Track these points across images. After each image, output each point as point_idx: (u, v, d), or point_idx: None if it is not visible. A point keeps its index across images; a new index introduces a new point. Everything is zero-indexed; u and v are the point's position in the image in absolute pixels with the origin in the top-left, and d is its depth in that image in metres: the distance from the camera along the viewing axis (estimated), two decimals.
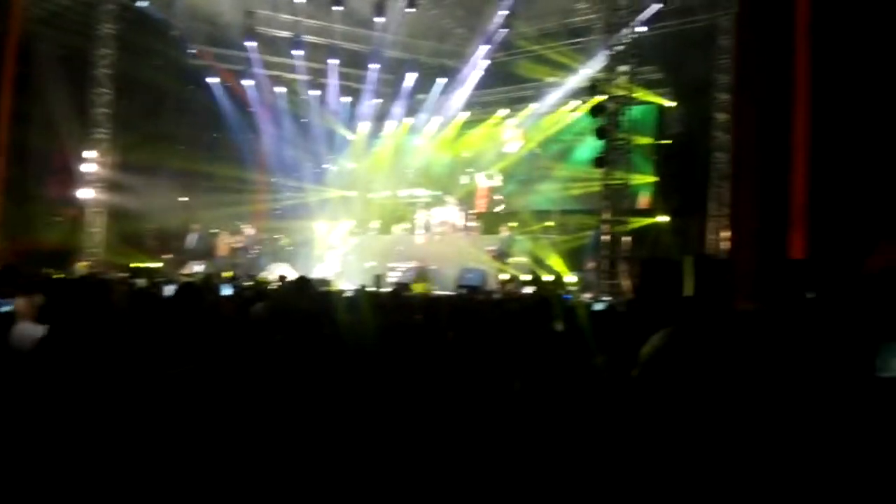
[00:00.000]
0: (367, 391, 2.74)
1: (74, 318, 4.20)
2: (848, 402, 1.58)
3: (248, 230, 15.75)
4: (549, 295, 6.92)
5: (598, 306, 6.17)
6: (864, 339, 2.26)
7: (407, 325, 4.60)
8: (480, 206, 16.13)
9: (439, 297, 7.78)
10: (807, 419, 1.46)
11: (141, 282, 8.54)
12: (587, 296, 9.91)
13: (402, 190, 17.44)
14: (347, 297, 6.62)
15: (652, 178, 12.79)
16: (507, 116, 16.53)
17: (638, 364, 1.48)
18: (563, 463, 1.94)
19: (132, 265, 12.83)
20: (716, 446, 1.28)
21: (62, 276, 9.81)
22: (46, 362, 2.94)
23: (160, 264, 14.61)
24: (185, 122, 16.49)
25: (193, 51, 16.21)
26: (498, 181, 16.02)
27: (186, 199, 16.58)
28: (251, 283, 10.13)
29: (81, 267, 13.55)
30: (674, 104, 13.92)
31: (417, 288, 11.18)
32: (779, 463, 1.29)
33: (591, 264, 11.13)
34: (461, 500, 2.18)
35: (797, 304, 5.22)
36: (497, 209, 15.90)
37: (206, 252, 15.36)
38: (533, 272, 12.56)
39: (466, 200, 15.92)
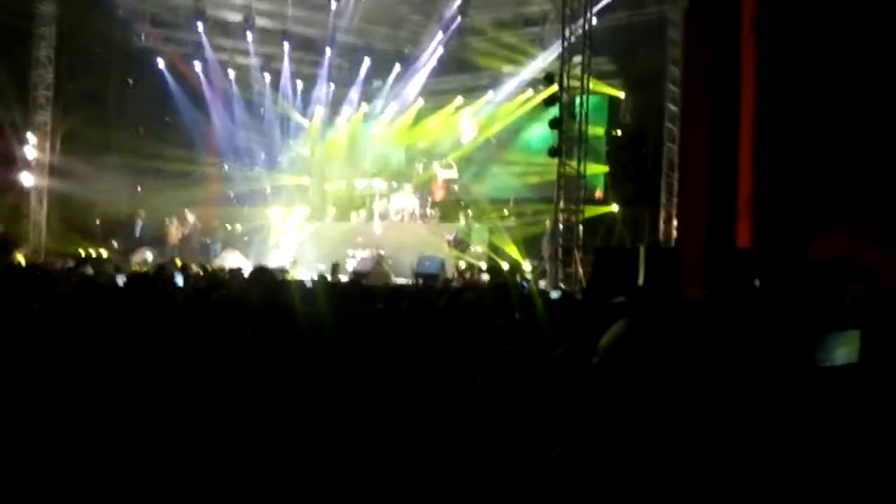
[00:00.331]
0: (328, 385, 2.76)
1: (20, 310, 4.08)
2: (789, 392, 1.68)
3: (191, 217, 15.32)
4: (507, 283, 7.01)
5: (555, 294, 6.29)
6: (805, 328, 2.40)
7: (368, 317, 4.62)
8: (438, 195, 16.16)
9: (400, 287, 7.79)
10: (752, 408, 1.54)
11: (88, 270, 8.28)
12: (543, 283, 10.09)
13: (358, 180, 17.28)
14: (306, 288, 6.56)
15: (604, 168, 13.04)
16: (463, 105, 16.55)
17: (597, 353, 1.53)
18: (526, 454, 2.00)
19: (78, 253, 12.42)
20: (671, 434, 1.33)
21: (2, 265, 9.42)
22: None
23: (106, 253, 14.17)
24: (131, 106, 15.94)
25: (138, 31, 15.65)
26: (454, 173, 16.06)
27: (134, 185, 16.06)
28: (202, 272, 9.92)
29: (20, 255, 13.02)
30: (624, 95, 14.21)
31: (376, 275, 11.19)
32: (725, 451, 1.36)
33: (546, 252, 11.31)
34: (425, 494, 2.23)
35: (745, 291, 5.44)
36: (454, 199, 15.96)
37: (154, 240, 14.96)
38: (490, 260, 12.70)
39: (423, 189, 15.92)
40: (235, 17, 15.63)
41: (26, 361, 2.83)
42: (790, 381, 1.74)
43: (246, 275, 7.93)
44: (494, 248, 13.13)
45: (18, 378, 2.61)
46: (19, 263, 11.20)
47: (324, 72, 17.03)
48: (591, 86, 10.96)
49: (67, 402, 2.45)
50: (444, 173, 15.95)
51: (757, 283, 5.78)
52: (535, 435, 2.08)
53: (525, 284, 8.72)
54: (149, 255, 13.45)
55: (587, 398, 2.49)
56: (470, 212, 13.63)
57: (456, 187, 16.15)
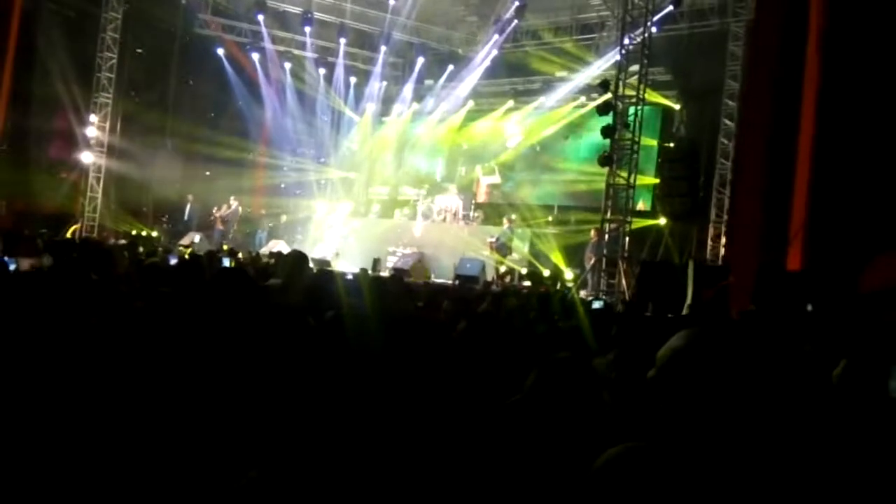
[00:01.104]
0: (371, 383, 2.75)
1: (81, 282, 4.19)
2: (865, 422, 1.62)
3: (234, 203, 15.53)
4: (549, 291, 6.96)
5: (597, 304, 6.21)
6: (874, 358, 2.31)
7: (413, 317, 4.62)
8: (480, 199, 16.16)
9: (440, 286, 7.80)
10: (824, 437, 1.48)
11: (139, 250, 8.51)
12: (583, 293, 9.97)
13: (403, 188, 17.38)
14: (349, 280, 6.62)
15: (654, 180, 12.83)
16: (513, 108, 16.48)
17: (655, 365, 1.49)
18: (570, 467, 1.97)
19: (130, 232, 12.79)
20: (730, 449, 1.30)
21: (63, 239, 9.77)
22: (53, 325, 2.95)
23: (156, 234, 14.57)
24: (189, 92, 16.35)
25: (201, 20, 16.04)
26: (497, 178, 16.01)
27: (186, 169, 16.47)
28: (249, 257, 10.12)
29: (74, 230, 13.47)
30: (679, 107, 13.97)
31: (417, 272, 11.23)
32: (795, 476, 1.31)
33: (590, 262, 11.18)
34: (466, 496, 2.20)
35: (797, 315, 5.28)
36: (496, 201, 15.91)
37: (202, 224, 15.31)
38: (531, 266, 12.62)
39: (467, 190, 15.92)
40: (295, 10, 15.89)
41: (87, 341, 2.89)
42: (863, 410, 1.67)
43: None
44: (536, 254, 13.04)
45: (75, 351, 2.68)
46: (74, 238, 11.61)
47: (377, 68, 17.18)
48: (646, 96, 10.79)
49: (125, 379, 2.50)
50: (486, 179, 15.93)
51: (809, 307, 5.60)
52: (579, 443, 2.04)
53: (567, 293, 8.64)
54: (196, 239, 13.76)
55: (640, 409, 2.43)
56: (513, 216, 13.57)
57: (497, 192, 16.10)
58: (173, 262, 6.15)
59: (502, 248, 12.58)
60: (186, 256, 7.80)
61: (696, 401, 1.32)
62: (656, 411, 1.42)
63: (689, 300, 7.55)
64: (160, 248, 9.95)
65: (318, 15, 15.79)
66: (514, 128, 16.55)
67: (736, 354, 1.35)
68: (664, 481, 1.29)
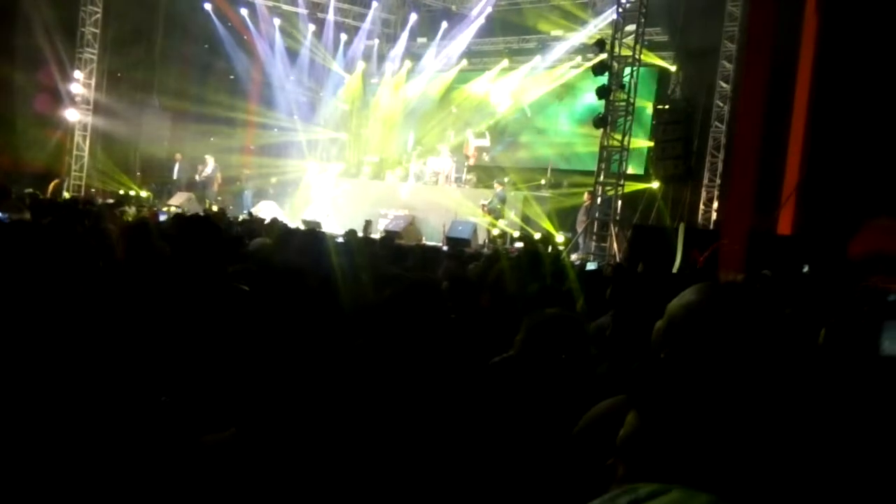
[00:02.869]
0: (362, 342, 2.74)
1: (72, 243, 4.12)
2: (856, 382, 1.61)
3: (211, 161, 15.01)
4: (539, 251, 6.94)
5: (591, 266, 6.21)
6: (861, 318, 2.31)
7: (403, 276, 4.60)
8: (469, 161, 15.98)
9: (432, 249, 7.77)
10: (818, 394, 1.48)
11: (128, 209, 8.41)
12: (574, 256, 9.98)
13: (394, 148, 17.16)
14: (339, 242, 6.57)
15: (648, 143, 12.75)
16: (507, 69, 16.22)
17: (664, 317, 1.45)
18: (561, 424, 1.97)
19: (118, 191, 12.63)
20: (745, 411, 1.28)
21: (47, 198, 9.63)
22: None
23: (145, 193, 14.40)
24: (176, 48, 15.97)
25: None
26: (486, 141, 15.81)
27: (174, 127, 16.18)
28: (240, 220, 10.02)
29: (55, 186, 13.22)
30: (675, 69, 13.80)
31: (408, 234, 11.18)
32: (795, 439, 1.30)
33: (582, 225, 11.17)
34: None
35: (794, 277, 5.31)
36: (488, 164, 15.78)
37: (190, 183, 15.10)
38: (523, 230, 12.58)
39: (458, 153, 15.75)
40: None
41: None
42: (857, 370, 1.67)
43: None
44: (528, 218, 13.00)
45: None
46: (58, 196, 11.45)
47: (368, 25, 16.80)
48: (642, 57, 10.63)
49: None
50: (475, 141, 15.72)
51: (806, 269, 5.64)
52: (571, 399, 2.04)
53: (558, 255, 8.63)
54: (186, 198, 13.56)
55: (638, 366, 2.43)
56: (506, 179, 13.48)
57: (486, 156, 15.91)
58: (162, 219, 6.08)
59: (494, 211, 12.54)
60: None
61: (712, 356, 1.30)
62: (665, 363, 1.39)
63: (678, 263, 7.57)
64: (147, 208, 9.84)
65: None
66: (507, 89, 16.31)
67: (756, 312, 1.33)
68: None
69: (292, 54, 17.09)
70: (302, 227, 8.74)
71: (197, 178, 14.95)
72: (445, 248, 10.79)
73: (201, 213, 8.47)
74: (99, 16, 14.02)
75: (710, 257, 7.62)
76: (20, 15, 13.77)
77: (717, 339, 1.26)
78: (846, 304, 3.52)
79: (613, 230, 10.00)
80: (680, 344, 1.30)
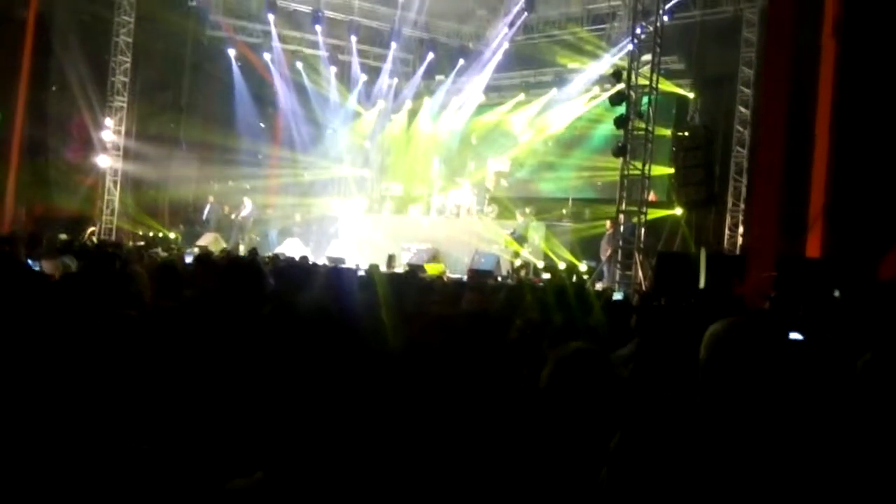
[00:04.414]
0: (386, 374, 2.74)
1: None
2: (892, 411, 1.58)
3: (249, 204, 15.64)
4: (565, 284, 6.92)
5: (617, 296, 6.16)
6: None
7: (425, 311, 4.62)
8: (492, 189, 16.04)
9: (456, 282, 7.78)
10: (849, 426, 1.45)
11: (158, 251, 8.59)
12: (599, 285, 9.91)
13: (415, 181, 17.35)
14: (362, 276, 6.63)
15: (669, 170, 12.71)
16: (523, 102, 16.40)
17: (701, 353, 1.45)
18: (588, 456, 1.95)
19: (148, 234, 12.91)
20: (782, 434, 1.27)
21: (82, 243, 9.88)
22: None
23: (173, 235, 14.70)
24: (202, 93, 16.46)
25: (213, 22, 16.12)
26: (505, 165, 15.87)
27: (201, 170, 16.59)
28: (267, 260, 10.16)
29: (91, 233, 13.62)
30: (693, 96, 13.82)
31: (431, 270, 11.21)
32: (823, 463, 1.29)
33: (606, 254, 11.10)
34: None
35: (825, 303, 5.21)
36: (508, 195, 15.82)
37: (219, 224, 15.41)
38: (547, 259, 12.55)
39: (479, 185, 15.85)
40: (305, 9, 15.92)
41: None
42: (890, 399, 1.64)
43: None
44: (551, 248, 12.98)
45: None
46: (91, 242, 11.75)
47: (388, 65, 17.17)
48: (659, 85, 10.68)
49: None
50: (494, 166, 15.79)
51: (837, 294, 5.53)
52: (597, 431, 2.02)
53: (583, 285, 8.59)
54: (213, 238, 13.81)
55: (660, 396, 2.41)
56: (528, 209, 13.51)
57: (504, 182, 15.96)
58: (189, 260, 6.20)
59: (520, 239, 12.52)
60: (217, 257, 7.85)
61: (743, 385, 1.29)
62: (702, 393, 1.38)
63: (703, 288, 7.47)
64: (176, 249, 10.03)
65: (327, 13, 15.82)
66: (526, 121, 16.47)
67: (777, 340, 1.32)
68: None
69: (314, 95, 17.49)
70: (327, 263, 8.84)
71: (233, 217, 15.34)
72: (468, 277, 10.81)
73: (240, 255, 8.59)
74: (128, 65, 14.53)
75: (732, 282, 7.52)
76: (54, 67, 14.35)
77: (743, 361, 1.25)
78: (885, 331, 3.44)
79: (638, 258, 9.93)
80: (714, 366, 1.30)
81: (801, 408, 1.36)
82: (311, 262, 7.72)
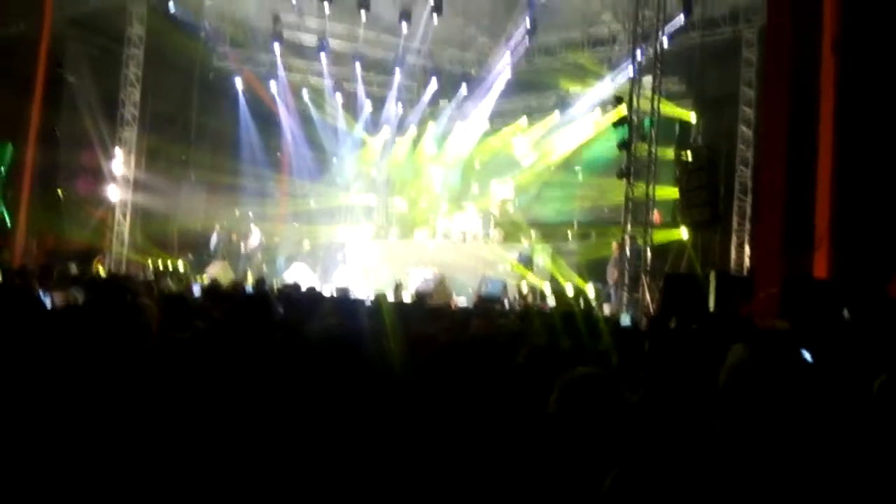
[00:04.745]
0: (395, 403, 2.76)
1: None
2: None
3: (257, 232, 15.85)
4: (574, 310, 6.92)
5: (625, 320, 6.16)
6: None
7: (434, 339, 4.64)
8: (497, 213, 16.11)
9: (464, 309, 7.80)
10: (869, 447, 1.46)
11: (168, 282, 8.66)
12: (607, 309, 9.89)
13: (420, 205, 17.51)
14: (369, 305, 6.66)
15: (673, 191, 12.75)
16: (527, 126, 16.55)
17: (721, 378, 1.46)
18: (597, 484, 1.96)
19: (157, 265, 13.00)
20: (805, 461, 1.27)
21: (92, 275, 9.97)
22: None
23: (182, 265, 14.79)
24: (210, 124, 16.68)
25: (221, 53, 16.41)
26: (510, 192, 15.98)
27: (209, 200, 16.75)
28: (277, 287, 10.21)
29: (100, 266, 13.73)
30: (695, 117, 13.90)
31: (439, 294, 11.22)
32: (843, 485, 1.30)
33: (612, 277, 11.10)
34: None
35: (835, 323, 5.19)
36: (514, 219, 15.88)
37: (227, 253, 15.52)
38: (554, 283, 12.55)
39: (483, 209, 15.93)
40: (310, 39, 16.17)
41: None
42: None
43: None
44: (557, 271, 12.98)
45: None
46: (100, 273, 11.85)
47: (393, 92, 17.38)
48: (661, 107, 10.76)
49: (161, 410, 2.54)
50: (499, 192, 15.90)
51: (846, 314, 5.51)
52: (605, 459, 2.03)
53: (591, 310, 8.58)
54: (221, 267, 13.91)
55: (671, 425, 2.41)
56: (533, 233, 13.54)
57: (510, 208, 16.05)
58: (196, 291, 6.25)
59: (526, 263, 12.54)
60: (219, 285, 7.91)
61: (765, 412, 1.30)
62: (721, 419, 1.39)
63: (712, 311, 7.46)
64: (184, 279, 10.11)
65: (332, 43, 16.06)
66: (529, 145, 16.60)
67: (798, 365, 1.33)
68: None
69: (320, 123, 17.70)
70: (334, 292, 8.88)
71: (241, 245, 15.48)
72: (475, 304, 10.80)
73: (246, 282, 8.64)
74: (138, 97, 14.77)
75: (742, 303, 7.49)
76: (65, 99, 14.60)
77: (762, 388, 1.26)
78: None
79: (645, 281, 9.93)
80: (736, 393, 1.30)
81: (823, 431, 1.37)
82: (318, 291, 7.76)
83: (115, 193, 14.52)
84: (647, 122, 10.76)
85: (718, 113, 13.81)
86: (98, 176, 14.65)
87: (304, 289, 7.77)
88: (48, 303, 4.78)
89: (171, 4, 14.31)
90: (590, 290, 11.86)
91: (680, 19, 12.86)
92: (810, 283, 7.83)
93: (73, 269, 10.76)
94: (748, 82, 13.41)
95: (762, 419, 1.33)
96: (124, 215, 14.65)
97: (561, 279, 12.64)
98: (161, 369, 3.02)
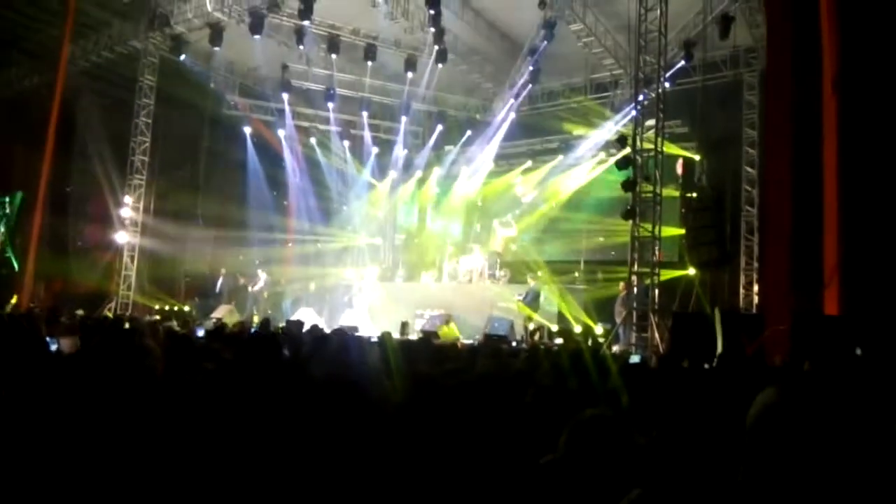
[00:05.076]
0: (397, 442, 2.72)
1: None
2: None
3: (262, 275, 15.93)
4: (581, 348, 6.85)
5: (634, 359, 6.08)
6: None
7: (436, 378, 4.58)
8: (501, 252, 16.13)
9: (470, 348, 7.72)
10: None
11: (174, 324, 8.64)
12: (616, 348, 9.78)
13: (426, 248, 17.61)
14: (373, 345, 6.60)
15: (679, 231, 12.75)
16: (531, 168, 16.74)
17: (747, 426, 1.42)
18: None
19: (164, 308, 13.01)
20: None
21: (98, 318, 9.97)
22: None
23: (188, 308, 14.80)
24: (218, 170, 16.94)
25: (230, 101, 16.76)
26: (513, 231, 16.03)
27: (217, 244, 16.88)
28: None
29: (108, 307, 13.76)
30: (699, 158, 14.01)
31: (445, 334, 11.14)
32: None
33: (621, 316, 11.02)
34: None
35: (848, 361, 5.10)
36: (521, 258, 15.90)
37: (234, 296, 15.54)
38: (562, 322, 12.46)
39: (486, 246, 15.95)
40: (318, 87, 16.52)
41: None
42: None
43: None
44: (565, 311, 12.91)
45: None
46: (107, 317, 11.85)
47: (398, 138, 17.65)
48: (664, 148, 10.85)
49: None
50: (502, 231, 15.95)
51: (859, 351, 5.42)
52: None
53: (598, 349, 8.48)
54: (228, 310, 13.91)
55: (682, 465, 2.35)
56: (540, 273, 13.52)
57: (514, 246, 16.06)
58: (200, 334, 6.23)
59: (531, 305, 12.48)
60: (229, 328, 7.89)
61: (796, 458, 1.25)
62: (749, 468, 1.34)
63: (719, 350, 7.36)
64: (191, 322, 10.10)
65: (339, 91, 16.39)
66: (533, 186, 16.74)
67: (831, 406, 1.29)
68: None
69: (327, 169, 17.95)
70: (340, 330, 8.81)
71: (249, 289, 15.53)
72: (480, 341, 10.72)
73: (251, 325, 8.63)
74: (147, 144, 15.03)
75: (752, 343, 7.39)
76: (76, 148, 14.88)
77: (793, 433, 1.22)
78: None
79: (653, 319, 9.84)
80: (762, 440, 1.26)
81: (855, 474, 1.31)
82: (321, 329, 7.73)
83: (122, 238, 14.65)
84: (651, 163, 10.83)
85: (722, 154, 13.93)
86: (107, 222, 14.82)
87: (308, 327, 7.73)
88: (54, 348, 4.78)
89: (182, 55, 14.67)
90: (598, 329, 11.76)
91: (681, 64, 13.11)
92: (821, 320, 7.73)
93: (80, 313, 10.78)
94: (751, 124, 13.57)
95: (794, 464, 1.28)
96: (132, 259, 14.74)
97: (569, 317, 12.56)
98: (168, 409, 3.00)
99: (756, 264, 12.87)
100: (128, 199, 14.76)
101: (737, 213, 13.24)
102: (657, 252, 10.41)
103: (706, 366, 5.09)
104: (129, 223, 14.74)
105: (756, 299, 12.58)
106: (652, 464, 2.49)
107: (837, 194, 9.38)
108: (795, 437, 1.26)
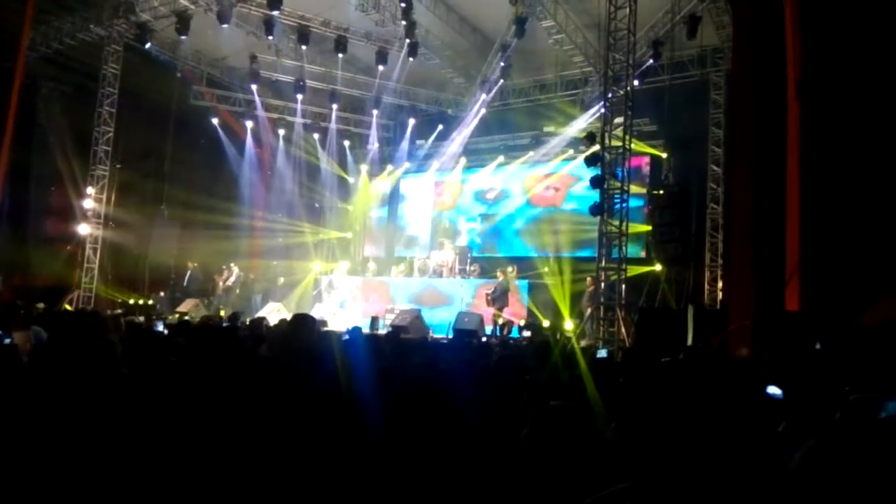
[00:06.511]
0: (367, 437, 2.71)
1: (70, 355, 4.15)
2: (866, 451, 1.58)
3: (235, 269, 15.71)
4: (549, 341, 6.90)
5: (601, 353, 6.15)
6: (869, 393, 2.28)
7: (407, 373, 4.58)
8: (472, 249, 16.21)
9: (437, 342, 7.74)
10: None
11: (138, 318, 8.47)
12: (584, 342, 9.88)
13: (397, 243, 17.60)
14: (342, 339, 6.57)
15: (646, 227, 12.93)
16: (503, 164, 16.80)
17: (792, 467, 1.43)
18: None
19: (126, 301, 12.74)
20: None
21: (58, 310, 9.73)
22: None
23: (152, 302, 14.52)
24: (185, 161, 16.62)
25: (196, 92, 16.44)
26: (485, 227, 16.14)
27: (183, 237, 16.57)
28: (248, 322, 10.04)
29: (67, 304, 13.44)
30: (667, 155, 14.24)
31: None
32: None
33: (587, 311, 11.14)
34: None
35: (807, 355, 5.23)
36: (490, 254, 15.98)
37: (201, 290, 15.29)
38: (530, 317, 12.55)
39: (461, 245, 15.99)
40: (287, 79, 16.32)
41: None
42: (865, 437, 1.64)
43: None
44: (534, 305, 13.02)
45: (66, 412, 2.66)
46: (67, 310, 11.57)
47: (370, 131, 17.54)
48: (633, 146, 10.98)
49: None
50: (474, 228, 16.06)
51: (818, 345, 5.56)
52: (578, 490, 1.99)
53: (566, 343, 8.56)
54: (194, 304, 13.69)
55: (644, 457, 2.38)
56: (509, 268, 13.60)
57: (485, 243, 16.13)
58: (160, 328, 6.12)
59: (499, 300, 12.54)
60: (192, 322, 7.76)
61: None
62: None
63: (689, 344, 7.50)
64: (153, 316, 9.91)
65: (309, 83, 16.21)
66: (504, 182, 16.83)
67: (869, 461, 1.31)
68: None
69: (297, 161, 17.75)
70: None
71: (221, 284, 15.28)
72: (446, 340, 10.73)
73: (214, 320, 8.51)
74: (111, 134, 14.68)
75: (717, 337, 7.55)
76: (36, 137, 14.44)
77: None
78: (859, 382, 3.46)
79: (620, 314, 9.97)
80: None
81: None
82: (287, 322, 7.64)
83: (84, 230, 14.30)
84: (618, 160, 10.94)
85: (689, 152, 14.16)
86: (69, 213, 14.45)
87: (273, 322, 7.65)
88: (7, 341, 4.64)
89: (147, 44, 14.35)
90: (566, 324, 11.87)
91: (649, 63, 13.28)
92: (782, 315, 7.92)
93: (41, 306, 10.49)
94: (717, 123, 13.81)
95: None
96: (94, 251, 14.40)
97: (538, 312, 12.67)
98: (131, 402, 2.96)
99: (721, 261, 13.12)
100: (90, 190, 14.41)
101: (702, 211, 13.48)
102: (625, 248, 10.54)
103: (670, 359, 5.18)
104: (91, 214, 14.40)
105: (720, 295, 12.83)
106: (618, 455, 2.53)
107: (799, 194, 9.61)
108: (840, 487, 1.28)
